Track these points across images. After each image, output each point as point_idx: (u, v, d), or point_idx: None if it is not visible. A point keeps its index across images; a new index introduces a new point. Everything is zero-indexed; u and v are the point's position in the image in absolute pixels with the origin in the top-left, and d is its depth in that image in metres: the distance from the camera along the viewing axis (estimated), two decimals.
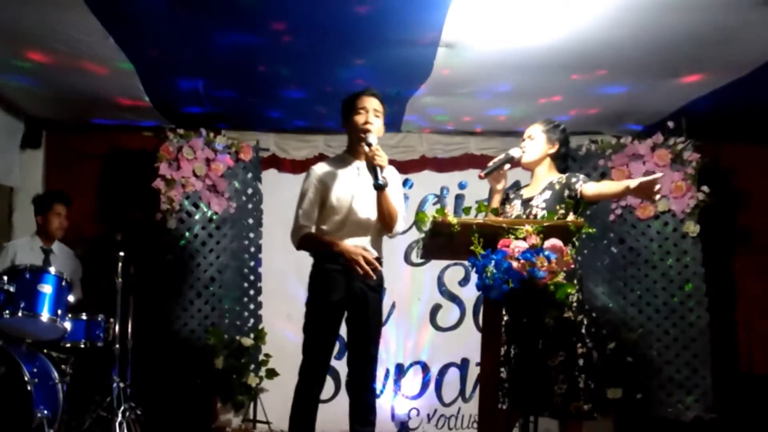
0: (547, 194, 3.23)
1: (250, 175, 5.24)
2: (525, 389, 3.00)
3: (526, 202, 3.29)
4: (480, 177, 3.22)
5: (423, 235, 2.87)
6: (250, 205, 5.23)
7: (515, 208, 3.31)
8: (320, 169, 3.39)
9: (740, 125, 5.12)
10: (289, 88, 4.55)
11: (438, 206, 5.04)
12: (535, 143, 3.32)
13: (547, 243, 2.66)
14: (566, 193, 3.16)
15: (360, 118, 3.29)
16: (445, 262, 5.33)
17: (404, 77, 4.31)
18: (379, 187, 3.19)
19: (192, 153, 4.98)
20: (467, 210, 2.93)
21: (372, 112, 3.30)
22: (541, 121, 3.38)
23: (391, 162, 5.28)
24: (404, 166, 5.50)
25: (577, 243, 2.82)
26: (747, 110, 4.80)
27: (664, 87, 4.42)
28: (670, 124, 4.88)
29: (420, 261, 5.31)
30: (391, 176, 3.35)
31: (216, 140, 5.07)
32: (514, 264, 2.60)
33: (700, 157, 4.87)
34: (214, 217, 5.06)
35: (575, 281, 3.10)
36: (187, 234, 5.00)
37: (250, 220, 5.23)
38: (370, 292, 3.33)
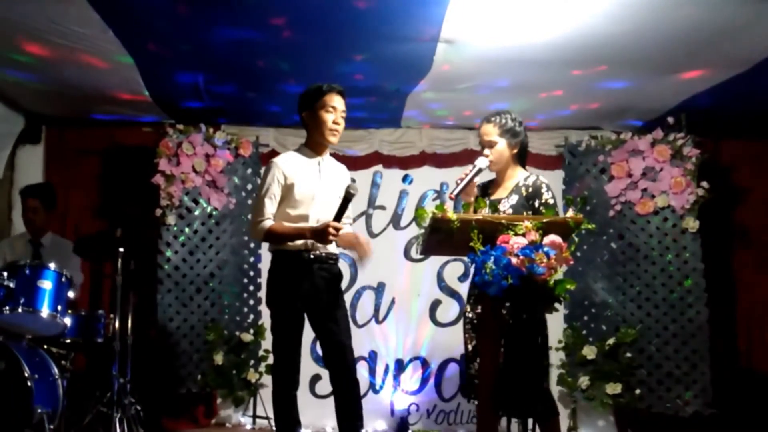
0: (514, 198, 3.20)
1: (249, 170, 5.24)
2: (520, 390, 2.98)
3: (494, 204, 3.24)
4: (451, 198, 3.14)
5: (422, 231, 2.88)
6: (249, 201, 5.23)
7: (484, 210, 3.24)
8: (283, 163, 3.41)
9: (740, 121, 5.12)
10: (288, 82, 4.54)
11: (438, 202, 5.11)
12: (498, 150, 3.24)
13: (547, 239, 2.66)
14: (535, 203, 3.14)
15: (329, 117, 3.34)
16: (444, 258, 5.32)
17: (404, 73, 4.31)
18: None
19: (191, 149, 4.98)
20: (467, 206, 2.93)
21: (340, 113, 3.36)
22: (493, 121, 3.26)
23: (391, 158, 5.43)
24: (404, 162, 5.51)
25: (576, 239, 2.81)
26: (747, 106, 4.79)
27: (664, 82, 4.41)
28: (670, 119, 4.87)
29: (419, 257, 5.31)
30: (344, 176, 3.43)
31: (215, 136, 5.07)
32: (514, 260, 2.61)
33: (699, 152, 4.86)
34: (214, 212, 5.06)
35: None
36: (186, 230, 5.00)
37: (250, 216, 5.22)
38: (331, 284, 3.37)
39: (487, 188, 3.38)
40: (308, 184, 3.36)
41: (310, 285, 3.31)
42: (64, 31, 3.70)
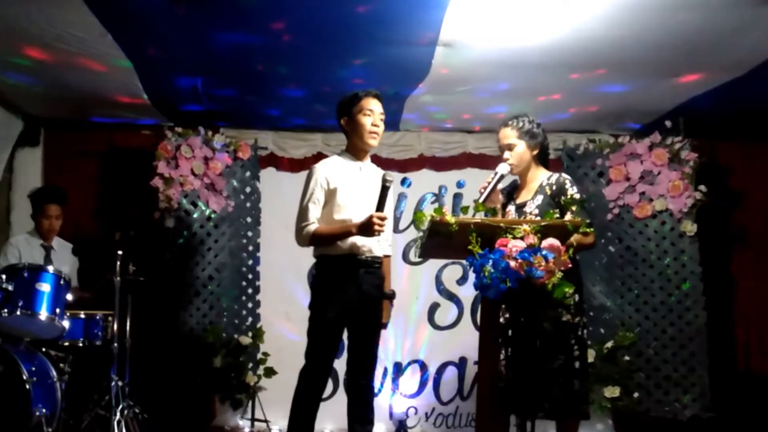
0: (539, 199, 3.23)
1: (248, 173, 5.24)
2: (522, 391, 2.99)
3: (520, 208, 3.29)
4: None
5: (421, 234, 2.88)
6: (248, 204, 5.23)
7: (511, 215, 3.32)
8: (325, 168, 3.41)
9: (738, 124, 5.13)
10: (287, 86, 4.55)
11: (436, 205, 5.11)
12: (518, 153, 3.28)
13: (545, 242, 2.66)
14: (561, 200, 3.14)
15: (368, 120, 3.34)
16: (443, 261, 5.33)
17: (402, 76, 4.31)
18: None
19: (190, 151, 4.98)
20: (465, 209, 2.93)
21: (378, 116, 3.37)
22: (512, 125, 3.31)
23: (390, 161, 5.43)
24: (402, 165, 5.51)
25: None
26: (745, 109, 4.80)
27: (662, 86, 4.42)
28: (668, 123, 4.88)
29: (418, 260, 5.31)
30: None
31: (214, 139, 5.08)
32: (512, 263, 2.61)
33: (697, 156, 4.88)
34: (213, 215, 5.06)
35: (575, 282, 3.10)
36: (185, 233, 5.00)
37: (249, 219, 5.23)
38: (376, 292, 3.38)
39: (512, 193, 3.41)
40: (351, 189, 3.36)
41: (357, 291, 3.31)
42: (63, 35, 3.71)
